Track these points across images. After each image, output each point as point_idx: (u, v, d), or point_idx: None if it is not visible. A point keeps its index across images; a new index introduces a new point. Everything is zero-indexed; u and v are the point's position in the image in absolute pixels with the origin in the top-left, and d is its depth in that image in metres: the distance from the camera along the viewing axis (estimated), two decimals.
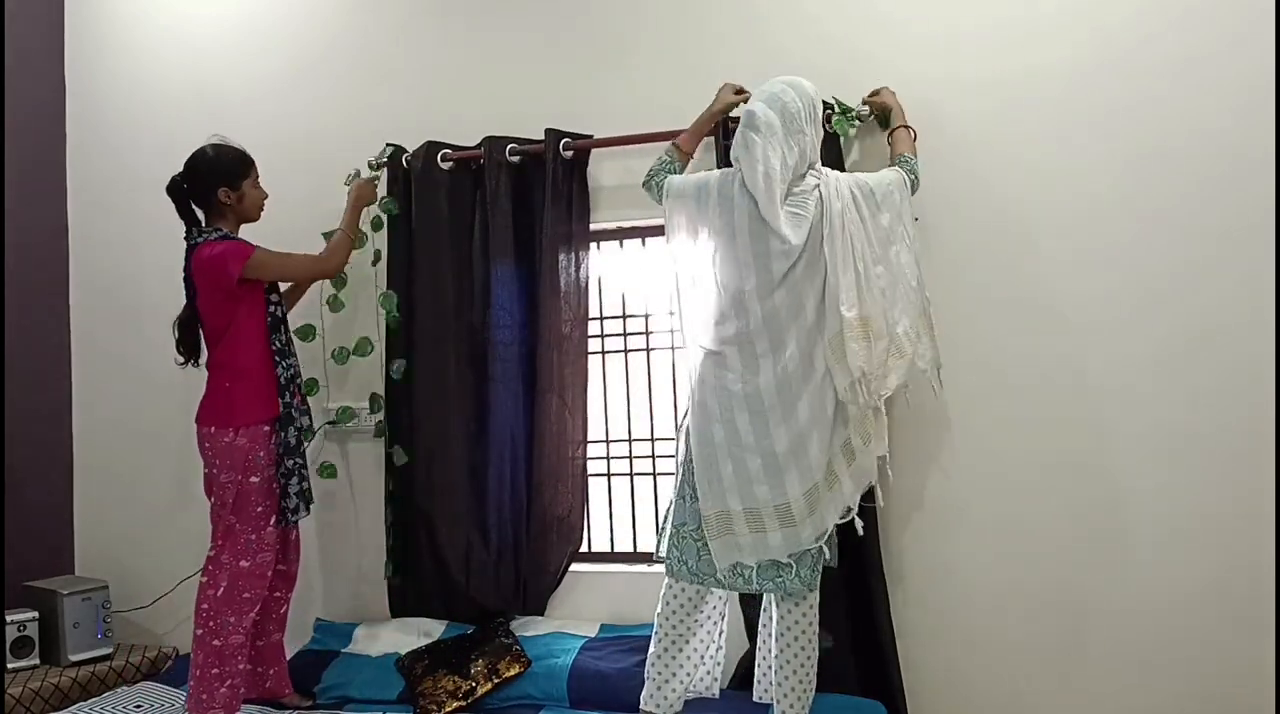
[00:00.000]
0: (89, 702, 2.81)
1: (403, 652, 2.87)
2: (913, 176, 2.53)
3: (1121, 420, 2.62)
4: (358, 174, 3.06)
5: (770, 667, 2.53)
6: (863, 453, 2.33)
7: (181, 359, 2.74)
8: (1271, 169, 2.52)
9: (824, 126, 2.69)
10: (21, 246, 3.40)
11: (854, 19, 2.83)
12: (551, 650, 2.77)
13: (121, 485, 3.48)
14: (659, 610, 2.51)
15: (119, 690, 2.94)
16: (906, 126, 2.65)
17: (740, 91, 2.63)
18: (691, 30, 2.96)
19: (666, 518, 2.51)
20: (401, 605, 3.10)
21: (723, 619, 2.63)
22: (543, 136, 2.95)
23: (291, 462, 2.66)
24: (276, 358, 2.66)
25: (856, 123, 2.73)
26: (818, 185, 2.35)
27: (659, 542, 2.52)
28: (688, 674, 2.53)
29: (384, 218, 3.09)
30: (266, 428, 2.63)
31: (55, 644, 3.10)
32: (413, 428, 3.02)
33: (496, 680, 2.69)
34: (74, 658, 3.09)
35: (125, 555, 3.45)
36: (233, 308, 2.60)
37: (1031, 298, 2.69)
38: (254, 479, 2.60)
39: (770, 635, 2.52)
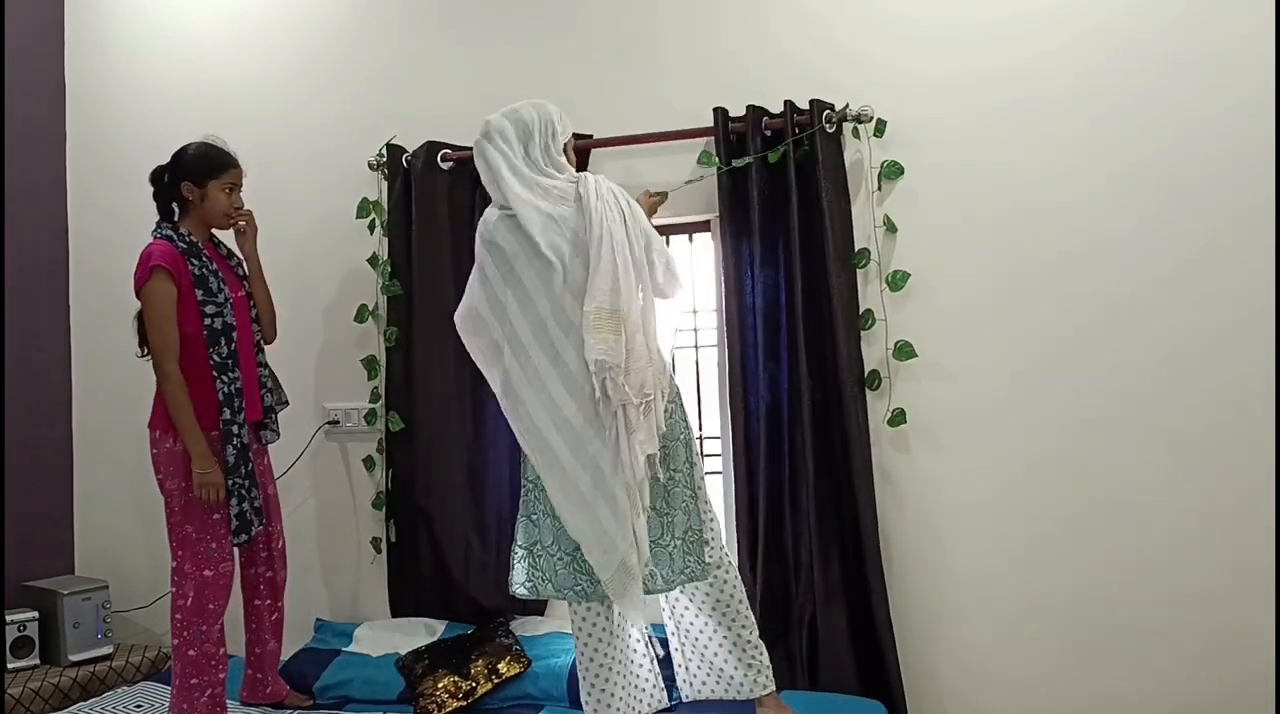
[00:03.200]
0: (89, 702, 2.81)
1: (403, 652, 2.87)
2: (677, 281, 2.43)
3: (1121, 420, 2.62)
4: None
5: (695, 658, 2.50)
6: (629, 452, 2.20)
7: (140, 353, 2.61)
8: (1271, 168, 2.52)
9: (827, 126, 2.71)
10: (21, 246, 3.40)
11: (855, 18, 2.83)
12: (551, 650, 2.77)
13: (121, 485, 3.48)
14: (575, 642, 2.40)
15: (119, 690, 2.93)
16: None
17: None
18: (692, 30, 2.96)
19: (515, 543, 2.41)
20: (401, 605, 3.10)
21: (641, 631, 2.50)
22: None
23: (230, 482, 2.51)
24: (215, 372, 2.51)
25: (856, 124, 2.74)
26: (576, 184, 2.32)
27: (512, 573, 2.39)
28: (627, 694, 2.43)
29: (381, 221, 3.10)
30: (215, 433, 2.51)
31: (55, 644, 3.09)
32: (412, 427, 3.03)
33: (496, 680, 2.69)
34: (74, 658, 3.08)
35: (125, 555, 3.45)
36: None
37: (1029, 297, 2.69)
38: None
39: (681, 634, 2.50)
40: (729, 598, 2.45)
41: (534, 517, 2.39)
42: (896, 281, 2.73)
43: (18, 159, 3.40)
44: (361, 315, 3.14)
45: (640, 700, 2.48)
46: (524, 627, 2.91)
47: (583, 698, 2.41)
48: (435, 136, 3.07)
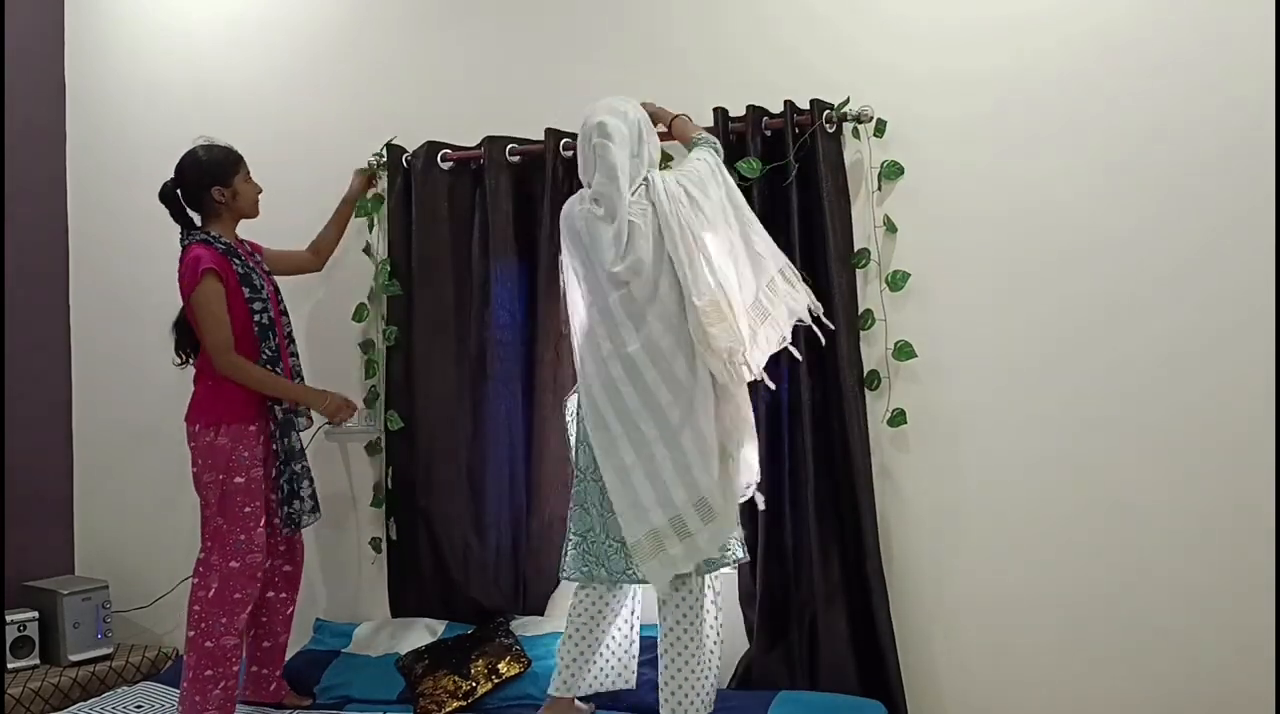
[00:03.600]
0: (89, 702, 2.81)
1: (403, 652, 2.87)
2: (713, 149, 2.56)
3: (1121, 420, 2.62)
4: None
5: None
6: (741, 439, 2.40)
7: (179, 360, 2.74)
8: (1272, 168, 2.52)
9: (827, 125, 2.71)
10: (21, 246, 3.40)
11: (855, 18, 2.82)
12: (551, 650, 2.75)
13: (121, 485, 3.48)
14: (569, 615, 2.52)
15: (119, 690, 2.94)
16: (677, 116, 2.69)
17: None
18: (692, 30, 2.96)
19: (569, 531, 2.52)
20: (401, 605, 3.10)
21: (633, 614, 2.62)
22: (543, 136, 2.94)
23: (300, 465, 2.68)
24: (266, 366, 2.63)
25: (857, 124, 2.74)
26: (647, 191, 2.40)
27: (565, 559, 2.51)
28: (598, 666, 2.55)
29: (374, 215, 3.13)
30: (252, 427, 2.60)
31: (55, 644, 3.09)
32: (412, 427, 3.03)
33: (496, 680, 2.69)
34: (74, 658, 3.09)
35: (125, 555, 3.45)
36: None
37: (1029, 297, 2.69)
38: (238, 479, 2.56)
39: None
40: (690, 606, 2.44)
41: (586, 505, 2.47)
42: (896, 281, 2.73)
43: (18, 159, 3.40)
44: (361, 315, 3.14)
45: (608, 676, 2.58)
46: (524, 627, 2.91)
47: (559, 664, 2.49)
48: (435, 136, 3.07)
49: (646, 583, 2.43)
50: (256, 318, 2.63)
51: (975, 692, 2.71)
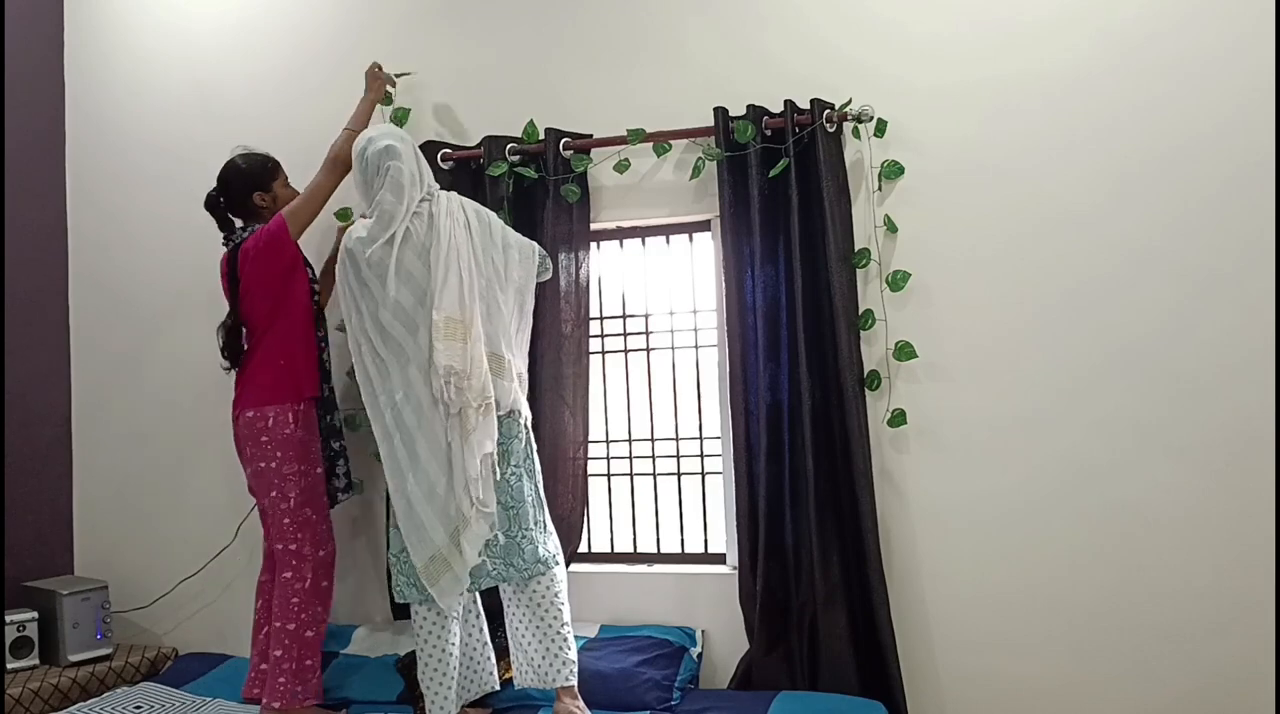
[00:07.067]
0: (89, 702, 2.80)
1: (402, 653, 2.87)
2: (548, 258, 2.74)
3: (1122, 420, 2.62)
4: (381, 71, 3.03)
5: (525, 650, 2.56)
6: (462, 451, 2.37)
7: (226, 365, 2.80)
8: (1272, 171, 2.52)
9: (827, 125, 2.72)
10: (21, 246, 3.40)
11: (855, 23, 2.82)
12: None
13: (121, 485, 3.48)
14: (416, 638, 2.52)
15: (118, 691, 2.93)
16: None
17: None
18: (691, 30, 2.96)
19: (388, 551, 2.58)
20: (402, 606, 3.09)
21: (479, 617, 2.67)
22: (543, 136, 2.94)
23: (338, 444, 2.82)
24: (322, 345, 2.80)
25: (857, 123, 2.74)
26: (431, 204, 2.52)
27: (392, 580, 2.55)
28: (459, 676, 2.58)
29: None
30: (314, 418, 2.74)
31: (55, 644, 3.09)
32: None
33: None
34: (73, 658, 3.08)
35: (125, 555, 3.44)
36: (285, 290, 2.71)
37: (1030, 297, 2.69)
38: (318, 469, 2.73)
39: (510, 625, 2.58)
40: (545, 590, 2.50)
41: (399, 525, 2.51)
42: (896, 282, 2.73)
43: (18, 159, 3.40)
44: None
45: (473, 682, 2.64)
46: None
47: (422, 685, 2.51)
48: (434, 136, 3.07)
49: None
50: (315, 297, 2.81)
51: (975, 692, 2.71)
